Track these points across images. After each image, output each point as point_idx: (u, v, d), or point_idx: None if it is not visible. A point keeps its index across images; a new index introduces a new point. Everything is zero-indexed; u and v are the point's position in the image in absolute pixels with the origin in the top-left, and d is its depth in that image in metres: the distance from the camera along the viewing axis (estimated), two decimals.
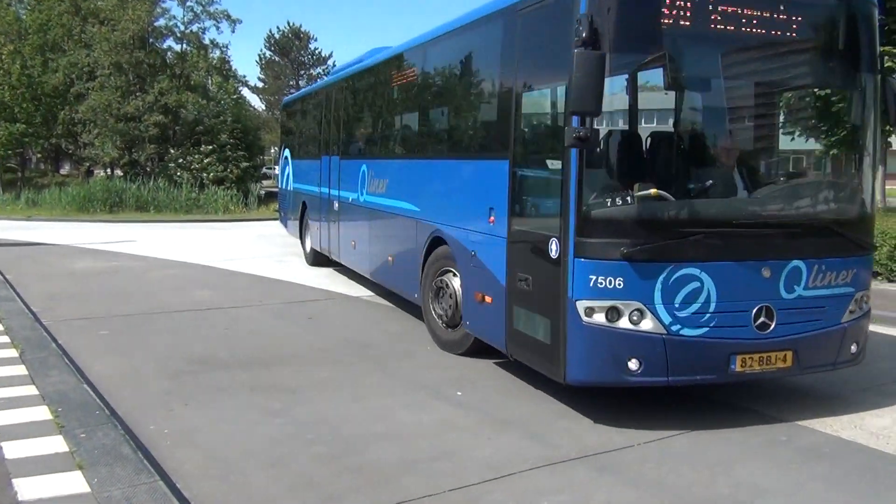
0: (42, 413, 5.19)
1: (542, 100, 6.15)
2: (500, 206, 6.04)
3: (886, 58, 9.90)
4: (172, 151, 29.25)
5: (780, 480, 4.48)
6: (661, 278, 5.00)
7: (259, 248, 16.47)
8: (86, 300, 9.84)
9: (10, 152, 32.07)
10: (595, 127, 4.86)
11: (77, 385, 5.86)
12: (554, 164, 5.47)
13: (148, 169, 29.94)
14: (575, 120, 4.88)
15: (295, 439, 5.02)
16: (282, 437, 5.07)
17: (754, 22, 5.21)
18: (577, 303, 5.02)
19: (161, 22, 32.51)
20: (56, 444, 4.63)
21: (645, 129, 6.03)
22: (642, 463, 4.71)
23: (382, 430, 5.20)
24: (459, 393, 6.08)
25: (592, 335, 5.02)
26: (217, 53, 34.93)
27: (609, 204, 5.04)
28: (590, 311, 5.00)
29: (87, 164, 36.67)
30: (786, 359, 5.30)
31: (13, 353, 6.75)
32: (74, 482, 4.10)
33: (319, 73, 53.97)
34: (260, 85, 57.31)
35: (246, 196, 28.04)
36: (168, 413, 5.51)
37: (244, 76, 47.70)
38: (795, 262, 5.31)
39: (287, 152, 15.58)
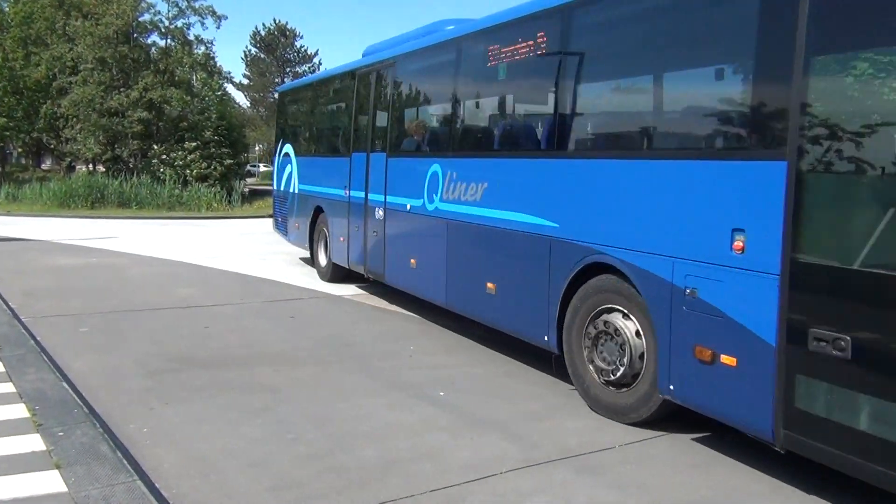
0: (19, 411, 5.13)
1: (863, 69, 4.00)
2: (763, 228, 4.20)
3: None
4: (156, 148, 29.04)
5: (760, 482, 4.51)
6: None
7: (242, 245, 16.39)
8: (66, 297, 9.74)
9: None
10: None
11: (55, 383, 5.80)
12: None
13: (131, 165, 29.72)
14: None
15: (276, 439, 5.00)
16: (263, 436, 5.04)
17: None
18: None
19: (146, 17, 32.29)
20: (33, 443, 4.58)
21: None
22: (623, 464, 4.73)
23: (364, 430, 5.18)
24: (442, 393, 6.07)
25: None
26: (202, 49, 34.74)
27: None
28: None
29: (69, 160, 36.35)
30: None
31: None
32: (51, 481, 4.06)
33: (305, 70, 53.85)
34: (245, 82, 57.06)
35: (230, 194, 27.90)
36: (148, 411, 5.47)
37: (229, 73, 47.34)
38: None
39: (288, 148, 13.54)
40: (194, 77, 32.28)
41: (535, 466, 4.65)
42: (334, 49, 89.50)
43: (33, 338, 7.31)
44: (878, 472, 3.67)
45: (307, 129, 13.31)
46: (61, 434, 4.71)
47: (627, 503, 4.21)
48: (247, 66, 57.45)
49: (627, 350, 5.32)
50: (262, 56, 57.33)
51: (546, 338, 6.13)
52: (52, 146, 37.66)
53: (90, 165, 34.93)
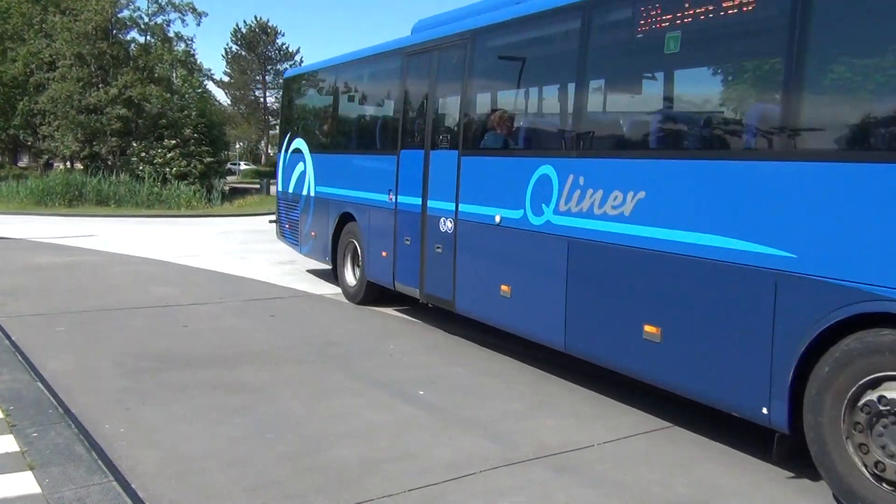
0: None
1: None
2: None
3: None
4: (135, 145, 28.85)
5: (738, 480, 4.54)
6: None
7: (221, 244, 16.29)
8: (42, 296, 9.62)
9: None
10: None
11: (30, 383, 5.73)
12: None
13: (109, 162, 29.47)
14: None
15: (255, 438, 4.96)
16: (242, 436, 5.00)
17: None
18: None
19: (125, 13, 32.12)
20: (6, 444, 4.52)
21: None
22: (601, 463, 4.75)
23: (344, 430, 5.16)
24: (422, 392, 6.07)
25: None
26: (182, 46, 34.54)
27: None
28: None
29: (47, 157, 35.96)
30: None
31: None
32: (25, 483, 4.00)
33: (286, 68, 53.59)
34: (226, 79, 56.76)
35: (209, 192, 27.76)
36: (125, 412, 5.41)
37: (209, 70, 47.14)
38: None
39: (300, 143, 11.47)
40: (174, 74, 32.09)
41: (514, 465, 4.65)
42: (316, 47, 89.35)
43: (8, 337, 7.22)
44: None
45: (328, 121, 11.07)
46: (35, 435, 4.64)
47: (606, 502, 4.23)
48: (227, 63, 57.21)
49: None
50: (243, 53, 57.13)
51: (765, 410, 4.43)
52: (29, 143, 37.27)
53: (68, 163, 34.59)
